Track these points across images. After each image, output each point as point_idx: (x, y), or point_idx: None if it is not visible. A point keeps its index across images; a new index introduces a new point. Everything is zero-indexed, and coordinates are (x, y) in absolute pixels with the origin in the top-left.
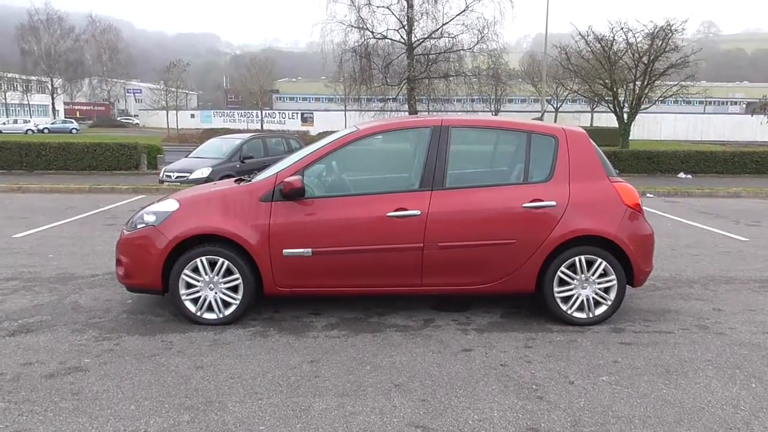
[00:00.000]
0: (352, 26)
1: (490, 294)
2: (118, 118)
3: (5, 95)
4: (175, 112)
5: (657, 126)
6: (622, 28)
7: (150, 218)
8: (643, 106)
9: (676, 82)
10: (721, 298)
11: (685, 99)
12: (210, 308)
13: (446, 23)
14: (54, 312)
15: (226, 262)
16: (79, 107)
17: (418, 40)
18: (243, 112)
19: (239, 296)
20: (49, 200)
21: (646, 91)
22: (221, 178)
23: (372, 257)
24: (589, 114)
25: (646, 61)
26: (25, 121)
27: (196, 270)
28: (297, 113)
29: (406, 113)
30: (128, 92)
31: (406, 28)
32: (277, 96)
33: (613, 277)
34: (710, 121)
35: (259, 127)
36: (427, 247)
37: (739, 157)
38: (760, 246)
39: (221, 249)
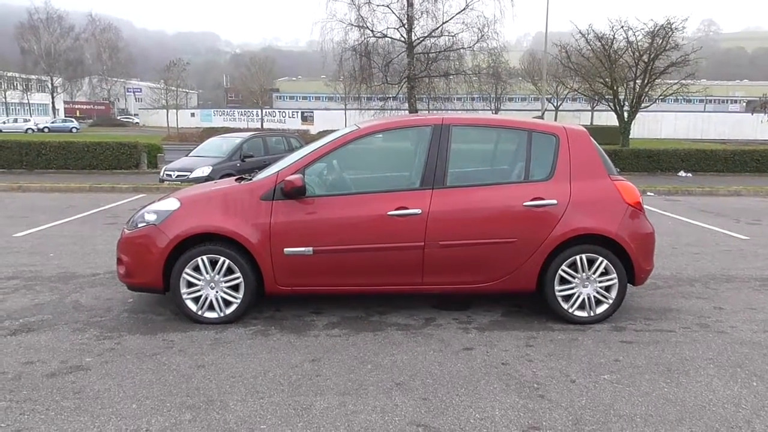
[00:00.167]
0: (352, 25)
1: (491, 293)
2: (118, 117)
3: (5, 94)
4: (175, 111)
5: (657, 124)
6: (622, 27)
7: (151, 217)
8: (643, 105)
9: (676, 81)
10: (722, 297)
11: (685, 97)
12: (211, 307)
13: (446, 22)
14: (55, 311)
15: (227, 261)
16: (79, 106)
17: (418, 38)
18: (243, 110)
19: (240, 295)
20: (50, 199)
21: (646, 90)
22: (221, 177)
23: (373, 256)
24: (589, 112)
25: (646, 60)
26: (25, 120)
27: (197, 269)
28: (297, 112)
29: (406, 112)
30: (128, 91)
31: (406, 26)
32: (277, 95)
33: (614, 275)
34: (710, 120)
35: (259, 126)
36: (428, 246)
37: (740, 155)
38: (760, 244)
39: (222, 248)
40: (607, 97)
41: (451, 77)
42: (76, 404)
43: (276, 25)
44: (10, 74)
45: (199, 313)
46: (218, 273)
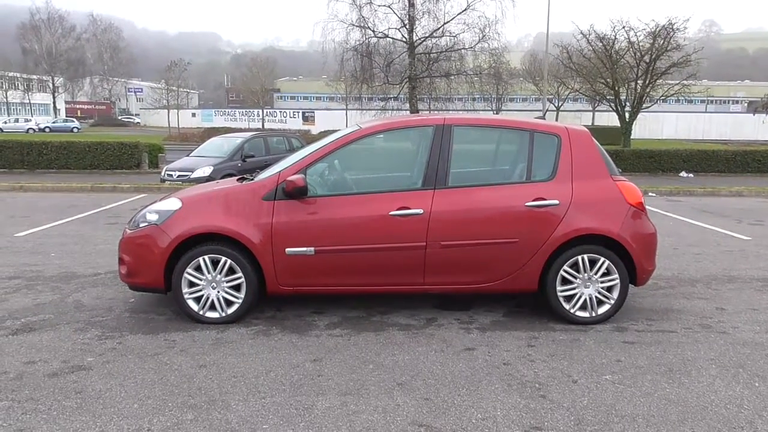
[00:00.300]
0: (354, 25)
1: (493, 293)
2: (120, 117)
3: (6, 94)
4: (176, 111)
5: (658, 125)
6: (623, 27)
7: (153, 217)
8: (644, 105)
9: (677, 81)
10: (724, 297)
11: (686, 98)
12: (212, 307)
13: (447, 22)
14: (56, 311)
15: (229, 261)
16: (81, 106)
17: (419, 38)
18: (244, 111)
19: (242, 295)
20: (51, 199)
21: (647, 90)
22: (223, 177)
23: (374, 256)
24: (591, 113)
25: (647, 60)
26: (27, 120)
27: (198, 269)
28: (298, 112)
29: (407, 112)
30: (129, 91)
31: (407, 26)
32: (278, 95)
33: (616, 276)
34: (712, 120)
35: (260, 126)
36: (430, 246)
37: (741, 156)
38: (762, 245)
39: (224, 248)
40: (608, 97)
41: (452, 77)
42: (77, 404)
43: (277, 25)
44: (11, 74)
45: (201, 312)
46: (220, 273)
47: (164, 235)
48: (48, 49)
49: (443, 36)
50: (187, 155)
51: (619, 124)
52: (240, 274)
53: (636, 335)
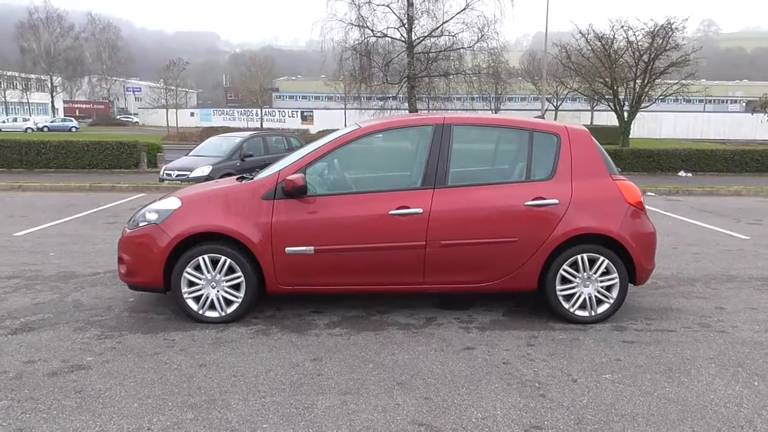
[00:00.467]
0: (352, 24)
1: (493, 292)
2: (118, 117)
3: (5, 93)
4: (174, 110)
5: (657, 124)
6: (622, 27)
7: (152, 216)
8: (643, 105)
9: (676, 81)
10: (723, 297)
11: (685, 97)
12: (212, 306)
13: (446, 21)
14: (56, 310)
15: (229, 260)
16: (79, 105)
17: (418, 38)
18: (243, 110)
19: (241, 294)
20: (50, 199)
21: (646, 90)
22: (221, 177)
23: (374, 255)
24: (589, 112)
25: (646, 60)
26: (25, 120)
27: (198, 268)
28: (297, 111)
29: (406, 112)
30: (128, 91)
31: (406, 26)
32: (276, 94)
33: (616, 275)
34: (710, 120)
35: (259, 126)
36: (430, 245)
37: (740, 155)
38: (761, 244)
39: (223, 247)
40: (607, 97)
41: (451, 77)
42: (77, 403)
43: (276, 24)
44: (9, 73)
45: (200, 312)
46: (219, 272)
47: (164, 235)
48: (46, 48)
49: (442, 35)
50: (186, 154)
51: (617, 124)
52: (239, 274)
53: (635, 334)
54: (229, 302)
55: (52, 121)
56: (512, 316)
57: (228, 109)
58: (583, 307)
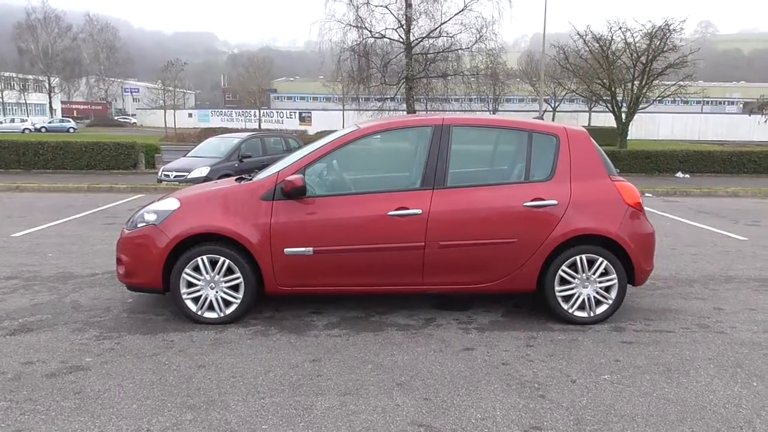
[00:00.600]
0: (351, 25)
1: (492, 293)
2: (116, 118)
3: (2, 94)
4: (172, 111)
5: (655, 126)
6: (620, 28)
7: (151, 217)
8: (641, 106)
9: (674, 82)
10: (722, 297)
11: (682, 99)
12: (211, 307)
13: (445, 23)
14: (54, 311)
15: (227, 261)
16: (77, 106)
17: (416, 39)
18: (241, 111)
19: (240, 295)
20: (48, 199)
21: (644, 91)
22: (220, 178)
23: (373, 256)
24: (587, 114)
25: (644, 61)
26: (22, 120)
27: (197, 269)
28: (295, 112)
29: (404, 113)
30: (126, 91)
31: (404, 27)
32: (274, 95)
33: (614, 276)
34: (708, 121)
35: (257, 127)
36: (429, 246)
37: (737, 156)
38: (759, 245)
39: (222, 248)
40: (605, 98)
41: (449, 78)
42: (76, 404)
43: (274, 25)
44: (7, 74)
45: (199, 313)
46: (218, 273)
47: (162, 236)
48: (44, 48)
49: (440, 36)
50: (184, 155)
51: (615, 125)
52: (238, 275)
53: (634, 335)
54: (228, 303)
55: (49, 122)
56: (511, 317)
57: (226, 110)
58: (581, 307)
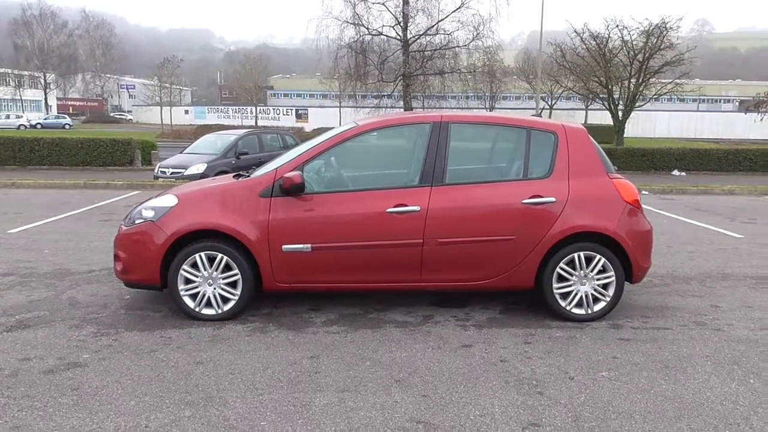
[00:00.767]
0: (348, 22)
1: (490, 290)
2: (111, 114)
3: None
4: (169, 108)
5: (651, 123)
6: (617, 26)
7: (148, 213)
8: (637, 104)
9: (670, 80)
10: (718, 295)
11: (679, 97)
12: (209, 304)
13: (442, 20)
14: (51, 307)
15: (225, 258)
16: (72, 103)
17: (413, 36)
18: (237, 108)
19: (238, 292)
20: (44, 196)
21: (640, 89)
22: (216, 174)
23: (371, 253)
24: (584, 111)
25: (641, 59)
26: (18, 117)
27: (194, 265)
28: (291, 109)
29: (401, 110)
30: (121, 88)
31: (401, 24)
32: (271, 92)
33: (612, 273)
34: (704, 119)
35: (254, 124)
36: (427, 243)
37: (733, 155)
38: (755, 243)
39: (220, 244)
40: (601, 95)
41: (446, 75)
42: (74, 401)
43: (271, 22)
44: (2, 70)
45: (197, 309)
46: (216, 270)
47: (160, 232)
48: (40, 45)
49: (437, 34)
50: (181, 152)
51: (612, 123)
52: (236, 271)
53: (632, 332)
54: (225, 300)
55: (45, 118)
56: (509, 314)
57: (222, 107)
58: (579, 305)
